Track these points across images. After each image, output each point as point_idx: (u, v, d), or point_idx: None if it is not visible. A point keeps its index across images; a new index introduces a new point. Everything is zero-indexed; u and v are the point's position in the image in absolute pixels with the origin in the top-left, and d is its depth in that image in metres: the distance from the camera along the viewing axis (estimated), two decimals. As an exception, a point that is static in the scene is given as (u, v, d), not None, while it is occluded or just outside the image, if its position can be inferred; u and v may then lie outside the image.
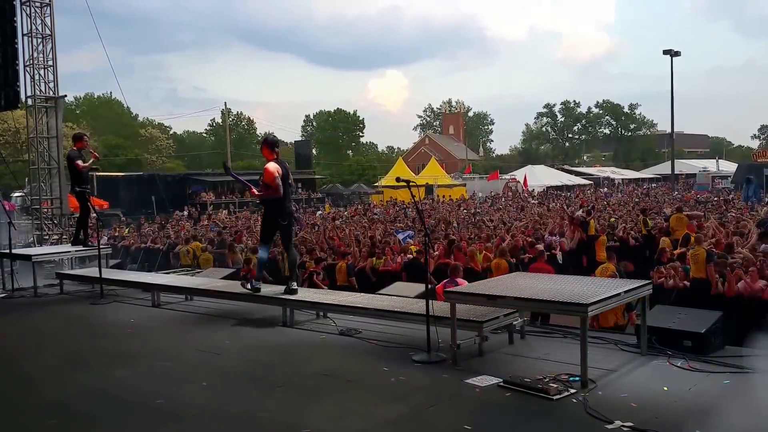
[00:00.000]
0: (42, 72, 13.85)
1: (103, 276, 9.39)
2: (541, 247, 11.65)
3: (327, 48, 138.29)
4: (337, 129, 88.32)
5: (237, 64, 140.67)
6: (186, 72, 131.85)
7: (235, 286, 7.95)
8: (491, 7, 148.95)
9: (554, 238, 14.17)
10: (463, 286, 6.95)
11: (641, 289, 5.54)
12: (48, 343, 7.03)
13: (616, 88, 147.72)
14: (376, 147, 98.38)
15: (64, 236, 13.86)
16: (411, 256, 12.36)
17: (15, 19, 12.85)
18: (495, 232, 15.32)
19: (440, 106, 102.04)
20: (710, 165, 59.96)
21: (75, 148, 10.58)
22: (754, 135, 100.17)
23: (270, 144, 7.54)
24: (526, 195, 37.78)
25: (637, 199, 29.38)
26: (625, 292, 5.32)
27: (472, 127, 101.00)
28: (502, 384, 4.82)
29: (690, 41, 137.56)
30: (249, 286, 7.63)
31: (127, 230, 23.19)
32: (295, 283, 7.52)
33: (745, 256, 10.02)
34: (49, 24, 13.90)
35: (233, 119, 78.58)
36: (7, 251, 10.33)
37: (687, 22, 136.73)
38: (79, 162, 10.29)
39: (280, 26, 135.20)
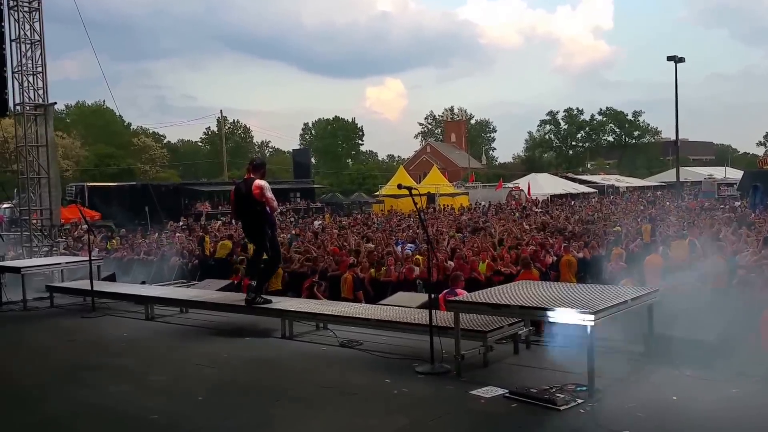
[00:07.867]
0: (31, 79, 13.42)
1: (95, 288, 9.21)
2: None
3: (318, 55, 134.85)
4: (336, 137, 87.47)
5: (227, 72, 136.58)
6: (174, 79, 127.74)
7: (231, 298, 7.80)
8: (484, 15, 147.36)
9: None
10: (467, 295, 6.81)
11: (648, 296, 5.42)
12: (38, 358, 6.88)
13: (614, 94, 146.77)
14: (376, 155, 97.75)
15: (54, 248, 13.62)
16: (417, 267, 12.20)
17: (2, 24, 12.48)
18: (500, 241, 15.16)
19: (442, 113, 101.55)
20: (716, 172, 59.82)
21: None
22: (760, 142, 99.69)
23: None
24: (530, 204, 37.65)
25: (642, 207, 29.20)
26: (632, 299, 5.20)
27: (474, 135, 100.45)
28: (507, 395, 4.71)
29: (688, 48, 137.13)
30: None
31: (109, 243, 22.35)
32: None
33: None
34: (38, 29, 13.43)
35: (229, 127, 77.10)
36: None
37: (685, 30, 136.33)
38: None
39: (270, 34, 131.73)
